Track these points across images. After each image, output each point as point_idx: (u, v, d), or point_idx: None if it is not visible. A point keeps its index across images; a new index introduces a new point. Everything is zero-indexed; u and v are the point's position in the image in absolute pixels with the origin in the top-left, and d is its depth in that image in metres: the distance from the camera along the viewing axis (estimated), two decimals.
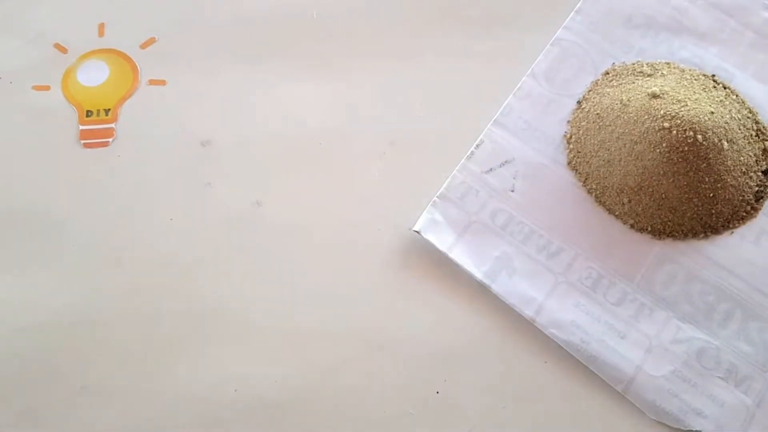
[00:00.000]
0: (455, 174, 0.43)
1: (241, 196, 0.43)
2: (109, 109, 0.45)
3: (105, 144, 0.44)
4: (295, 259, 0.41)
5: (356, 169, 0.44)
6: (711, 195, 0.41)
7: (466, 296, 0.40)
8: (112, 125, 0.45)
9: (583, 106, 0.45)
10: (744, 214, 0.42)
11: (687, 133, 0.40)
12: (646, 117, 0.41)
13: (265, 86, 0.46)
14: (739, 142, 0.42)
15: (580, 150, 0.43)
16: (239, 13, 0.48)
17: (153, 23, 0.48)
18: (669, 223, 0.42)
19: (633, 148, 0.41)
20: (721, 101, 0.43)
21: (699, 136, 0.40)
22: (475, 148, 0.44)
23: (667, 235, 0.42)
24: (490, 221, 0.42)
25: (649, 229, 0.42)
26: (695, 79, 0.44)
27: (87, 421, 0.37)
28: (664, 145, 0.40)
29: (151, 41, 0.47)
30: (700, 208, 0.41)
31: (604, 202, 0.42)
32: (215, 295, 0.40)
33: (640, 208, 0.42)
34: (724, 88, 0.45)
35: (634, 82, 0.44)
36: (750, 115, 0.44)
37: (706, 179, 0.41)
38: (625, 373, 0.39)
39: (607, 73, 0.46)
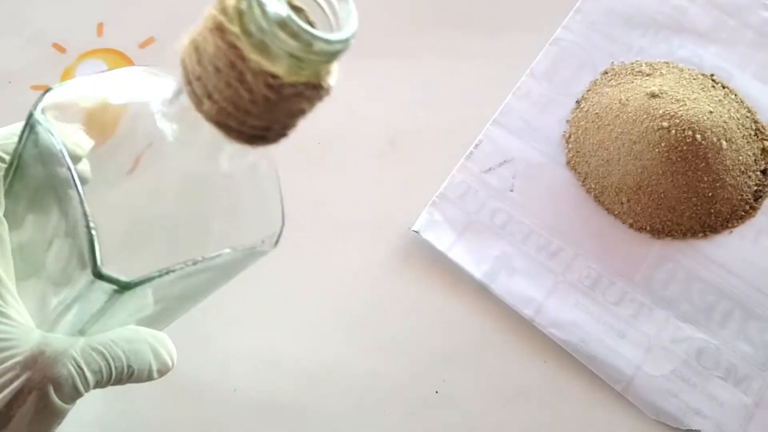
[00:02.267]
0: (454, 173, 0.43)
1: None
2: None
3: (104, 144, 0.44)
4: (294, 258, 0.41)
5: (355, 169, 0.43)
6: (710, 194, 0.41)
7: (466, 296, 0.40)
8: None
9: (582, 106, 0.45)
10: (743, 213, 0.42)
11: (686, 133, 0.40)
12: (645, 116, 0.41)
13: None
14: (738, 141, 0.42)
15: (579, 149, 0.43)
16: None
17: (152, 23, 0.48)
18: (668, 222, 0.42)
19: (632, 148, 0.41)
20: (719, 101, 0.43)
21: (698, 136, 0.40)
22: (474, 148, 0.44)
23: (666, 235, 0.42)
24: (489, 221, 0.42)
25: (648, 228, 0.42)
26: (694, 79, 0.44)
27: (85, 419, 0.37)
28: (662, 144, 0.40)
29: (150, 41, 0.47)
30: (699, 208, 0.41)
31: (603, 202, 0.42)
32: (214, 294, 0.40)
33: (639, 208, 0.42)
34: (723, 87, 0.45)
35: (633, 82, 0.44)
36: (749, 114, 0.44)
37: (705, 178, 0.41)
38: (625, 372, 0.39)
39: (606, 73, 0.46)
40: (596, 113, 0.43)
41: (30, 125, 0.23)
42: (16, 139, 0.24)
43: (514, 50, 0.47)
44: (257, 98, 0.18)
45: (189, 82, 0.19)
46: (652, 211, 0.41)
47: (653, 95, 0.42)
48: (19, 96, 0.45)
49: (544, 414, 0.38)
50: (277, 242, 0.25)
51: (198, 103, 0.19)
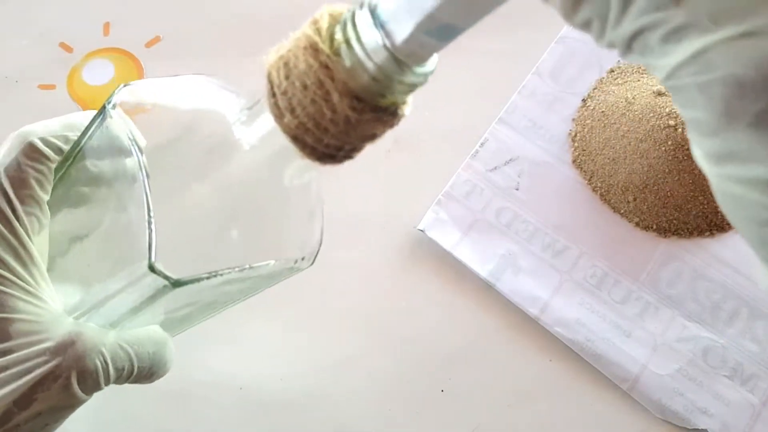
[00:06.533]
0: (460, 172, 0.43)
1: None
2: None
3: None
4: None
5: (360, 168, 0.43)
6: None
7: (471, 295, 0.40)
8: None
9: (588, 104, 0.45)
10: None
11: None
12: (651, 115, 0.41)
13: None
14: None
15: (585, 148, 0.43)
16: (243, 11, 0.48)
17: (158, 22, 0.48)
18: (674, 221, 0.41)
19: (638, 146, 0.41)
20: None
21: None
22: (479, 147, 0.44)
23: (673, 233, 0.42)
24: (494, 219, 0.42)
25: (655, 227, 0.42)
26: None
27: (90, 417, 0.37)
28: (669, 143, 0.40)
29: (156, 40, 0.47)
30: (706, 206, 0.41)
31: (609, 200, 0.42)
32: None
33: (645, 206, 0.41)
34: None
35: (639, 80, 0.44)
36: None
37: None
38: (631, 371, 0.39)
39: (612, 71, 0.46)
40: (602, 111, 0.43)
41: (102, 117, 0.23)
42: (72, 131, 0.25)
43: (519, 48, 0.47)
44: (339, 118, 0.19)
45: (273, 95, 0.20)
46: (658, 209, 0.41)
47: (660, 93, 0.41)
48: (26, 95, 0.46)
49: (549, 413, 0.38)
50: (313, 261, 0.25)
51: (279, 116, 0.20)
